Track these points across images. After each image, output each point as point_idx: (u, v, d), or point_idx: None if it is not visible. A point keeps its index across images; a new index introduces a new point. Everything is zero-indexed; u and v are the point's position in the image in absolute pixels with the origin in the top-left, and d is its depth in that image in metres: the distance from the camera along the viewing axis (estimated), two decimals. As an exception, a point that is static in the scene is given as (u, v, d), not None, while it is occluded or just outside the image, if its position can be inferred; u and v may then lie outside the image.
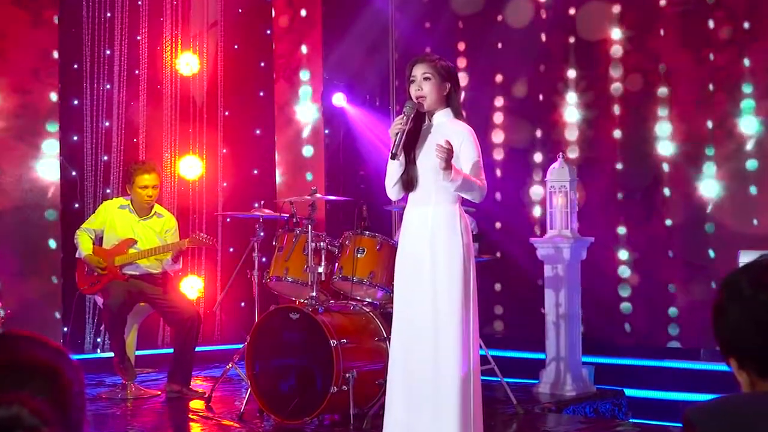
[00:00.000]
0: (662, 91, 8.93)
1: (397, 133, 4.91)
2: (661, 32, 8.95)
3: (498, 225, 9.79)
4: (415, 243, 5.03)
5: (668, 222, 8.89)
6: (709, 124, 8.65)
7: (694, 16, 8.75)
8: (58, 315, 9.12)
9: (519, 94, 9.80)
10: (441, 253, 4.94)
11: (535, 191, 9.61)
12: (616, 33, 9.20)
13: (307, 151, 10.73)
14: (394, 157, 4.93)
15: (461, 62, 10.14)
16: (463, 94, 9.57)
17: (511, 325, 9.76)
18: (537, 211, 9.56)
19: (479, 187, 4.92)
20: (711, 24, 8.66)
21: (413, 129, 5.03)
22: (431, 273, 4.94)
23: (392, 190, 5.14)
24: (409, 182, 5.07)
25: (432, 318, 4.91)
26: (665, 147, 8.91)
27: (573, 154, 9.36)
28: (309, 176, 10.68)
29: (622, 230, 9.12)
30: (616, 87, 9.21)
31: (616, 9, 9.21)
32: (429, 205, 5.00)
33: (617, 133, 9.19)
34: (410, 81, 5.07)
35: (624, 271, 9.10)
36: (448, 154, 4.72)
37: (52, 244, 9.13)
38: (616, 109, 9.20)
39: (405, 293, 5.06)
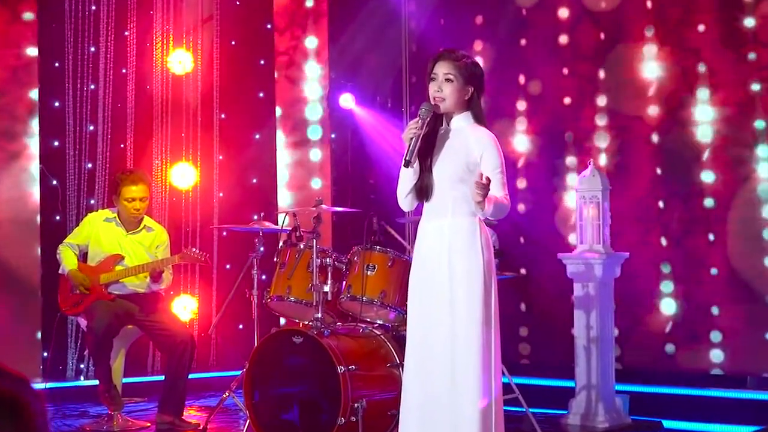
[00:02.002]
0: (702, 92, 8.92)
1: (411, 138, 4.92)
2: (700, 28, 8.94)
3: (522, 240, 9.78)
4: (431, 259, 5.03)
5: (711, 237, 8.87)
6: (755, 128, 8.64)
7: (735, 9, 8.75)
8: (37, 338, 9.13)
9: (545, 96, 9.79)
10: (459, 270, 4.94)
11: (566, 200, 9.58)
12: (650, 29, 9.20)
13: (312, 157, 10.74)
14: (407, 164, 4.94)
15: (480, 60, 10.13)
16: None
17: (537, 350, 9.74)
18: (568, 222, 9.54)
19: (506, 206, 4.95)
20: (753, 21, 8.66)
21: (429, 133, 5.04)
22: (449, 292, 4.94)
23: (405, 201, 5.16)
24: (423, 191, 5.08)
25: (449, 342, 4.90)
26: (706, 152, 8.89)
27: (605, 160, 9.35)
28: (314, 185, 10.69)
29: (660, 244, 9.10)
30: (652, 87, 9.20)
31: (650, 3, 9.21)
32: (446, 217, 5.01)
33: (654, 138, 9.18)
34: (431, 78, 5.08)
35: (662, 290, 9.08)
36: (486, 190, 4.76)
37: (31, 259, 9.14)
38: (652, 112, 9.18)
39: (420, 314, 5.06)
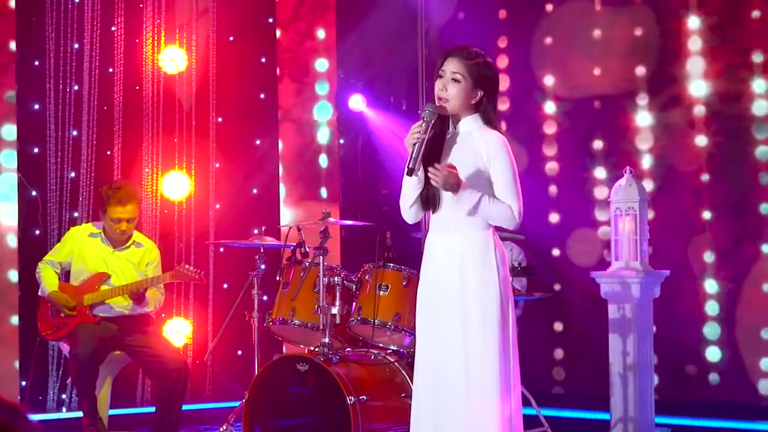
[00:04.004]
0: (757, 86, 8.92)
1: (414, 144, 4.94)
2: (753, 14, 8.94)
3: (556, 252, 9.77)
4: (439, 276, 5.03)
5: (765, 248, 8.86)
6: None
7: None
8: (15, 365, 9.14)
9: (577, 96, 9.79)
10: (472, 289, 4.94)
11: (599, 212, 9.58)
12: (693, 21, 9.20)
13: (319, 165, 10.75)
14: (411, 172, 4.95)
15: (502, 61, 10.14)
16: (507, 104, 9.62)
17: (568, 379, 9.73)
18: (602, 236, 9.53)
19: (506, 214, 4.92)
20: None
21: (434, 137, 5.04)
22: (460, 315, 4.93)
23: (408, 212, 5.17)
24: (429, 202, 5.09)
25: (463, 372, 4.90)
26: (763, 153, 8.89)
27: (646, 166, 9.34)
28: (320, 196, 10.69)
29: (705, 260, 9.09)
30: (697, 85, 9.20)
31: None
32: (456, 232, 5.01)
33: (700, 141, 9.17)
34: (438, 75, 5.09)
35: (708, 312, 9.06)
36: (441, 175, 4.83)
37: (9, 278, 9.17)
38: (698, 111, 9.18)
39: (429, 341, 5.05)
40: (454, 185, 4.86)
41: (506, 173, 4.97)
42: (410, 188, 5.09)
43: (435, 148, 5.06)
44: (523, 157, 9.75)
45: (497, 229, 5.05)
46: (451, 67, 5.05)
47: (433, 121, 4.98)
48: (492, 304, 4.92)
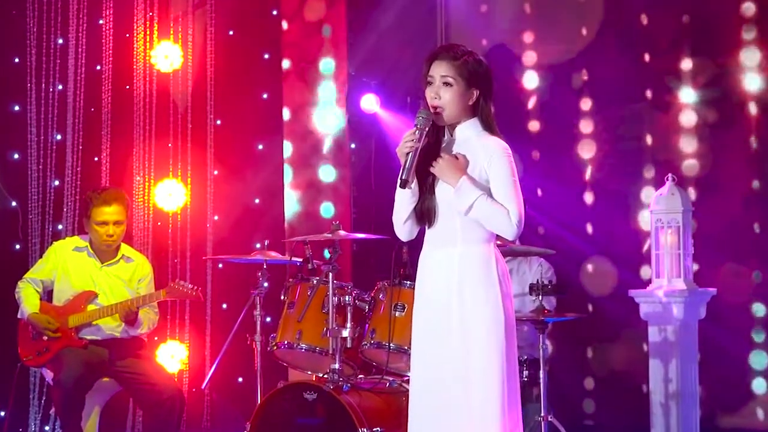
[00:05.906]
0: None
1: (407, 153, 4.96)
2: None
3: (590, 268, 9.75)
4: (438, 295, 5.04)
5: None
6: None
7: None
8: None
9: (615, 93, 9.77)
10: (473, 307, 4.96)
11: (641, 220, 9.55)
12: (749, 7, 9.18)
13: (327, 172, 10.74)
14: (404, 184, 4.99)
15: (530, 56, 10.13)
16: (534, 100, 9.61)
17: (604, 408, 9.69)
18: (641, 250, 9.50)
19: (501, 212, 4.92)
20: None
21: (429, 146, 5.05)
22: (461, 333, 4.95)
23: (402, 228, 5.22)
24: (424, 216, 5.11)
25: (463, 388, 4.92)
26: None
27: (690, 171, 9.31)
28: (329, 207, 10.68)
29: (756, 278, 9.06)
30: (751, 79, 9.18)
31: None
32: (455, 246, 5.05)
33: (752, 143, 9.15)
34: (427, 82, 5.11)
35: (758, 335, 9.04)
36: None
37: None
38: (751, 110, 9.16)
39: (424, 360, 5.07)
40: (455, 171, 4.92)
41: (505, 177, 4.99)
42: (404, 201, 5.13)
43: (430, 158, 5.06)
44: (554, 160, 9.76)
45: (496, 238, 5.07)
46: (440, 70, 5.09)
47: (427, 129, 5.00)
48: (494, 322, 4.96)
